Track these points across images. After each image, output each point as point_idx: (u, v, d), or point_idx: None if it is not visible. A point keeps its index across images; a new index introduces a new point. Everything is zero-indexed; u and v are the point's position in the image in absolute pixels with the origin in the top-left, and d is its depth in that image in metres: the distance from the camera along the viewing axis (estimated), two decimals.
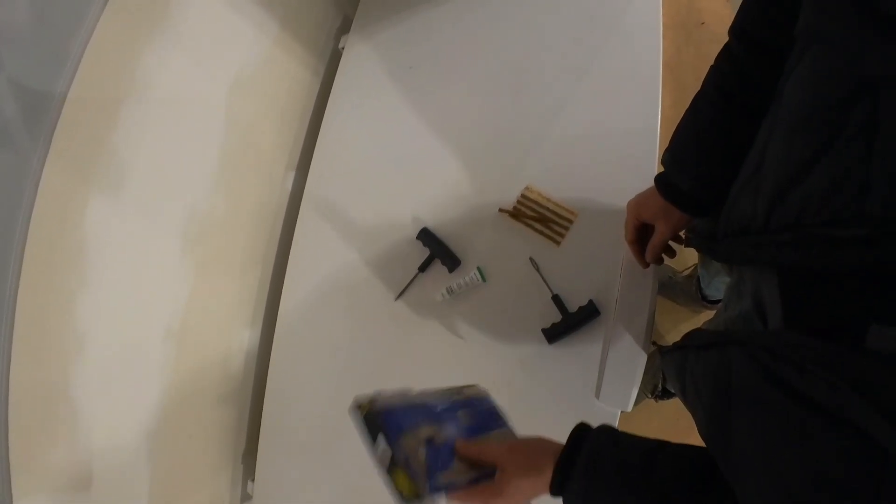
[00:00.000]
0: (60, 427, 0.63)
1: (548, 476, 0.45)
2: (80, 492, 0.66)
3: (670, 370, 0.51)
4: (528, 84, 0.82)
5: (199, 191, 0.78)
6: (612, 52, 0.77)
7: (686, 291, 1.16)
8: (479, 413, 0.62)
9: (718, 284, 1.00)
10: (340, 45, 0.94)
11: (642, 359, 0.66)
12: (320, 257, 0.88)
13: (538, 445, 0.48)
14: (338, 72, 0.92)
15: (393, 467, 0.52)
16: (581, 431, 0.47)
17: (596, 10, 0.80)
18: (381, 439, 0.55)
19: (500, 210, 0.78)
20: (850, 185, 0.30)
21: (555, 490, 0.45)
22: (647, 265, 0.66)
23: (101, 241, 0.64)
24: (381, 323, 0.82)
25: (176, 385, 0.78)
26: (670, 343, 1.24)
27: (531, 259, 0.75)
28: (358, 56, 0.92)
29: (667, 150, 0.59)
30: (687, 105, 0.56)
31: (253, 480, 0.87)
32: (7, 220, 0.55)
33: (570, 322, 0.71)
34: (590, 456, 0.44)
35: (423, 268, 0.79)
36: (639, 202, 0.63)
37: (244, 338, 0.92)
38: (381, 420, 0.57)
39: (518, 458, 0.48)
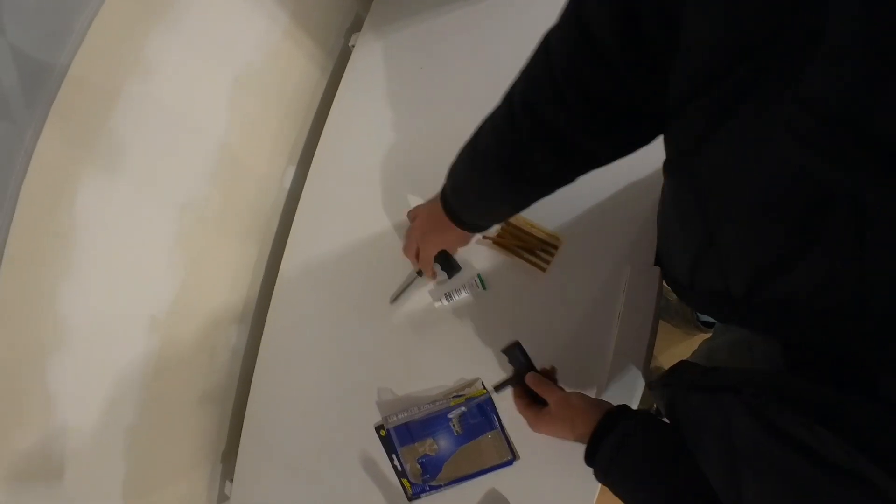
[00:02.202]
0: (34, 415, 0.60)
1: (577, 431, 0.52)
2: (52, 481, 0.63)
3: (660, 403, 0.50)
4: None
5: (196, 181, 0.76)
6: None
7: (681, 314, 1.15)
8: (473, 418, 0.71)
9: None
10: (350, 44, 0.94)
11: (641, 381, 0.65)
12: (315, 256, 0.86)
13: (583, 407, 0.54)
14: (346, 70, 0.91)
15: (401, 477, 0.72)
16: (620, 410, 0.50)
17: None
18: (393, 457, 0.73)
19: (484, 237, 0.76)
20: (844, 284, 0.29)
21: (587, 459, 0.50)
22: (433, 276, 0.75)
23: (91, 224, 0.62)
24: (374, 327, 0.80)
25: (157, 378, 0.75)
26: (661, 364, 1.24)
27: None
28: (367, 55, 0.91)
29: (450, 175, 0.59)
30: None
31: (231, 481, 0.84)
32: None
33: (523, 372, 0.65)
34: (620, 436, 0.47)
35: (421, 272, 0.77)
36: (424, 224, 0.69)
37: (232, 334, 0.89)
38: (390, 441, 0.73)
39: (563, 410, 0.56)
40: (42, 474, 0.62)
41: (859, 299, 0.28)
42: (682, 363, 0.53)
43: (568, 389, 0.60)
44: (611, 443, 0.48)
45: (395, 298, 0.79)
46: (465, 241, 0.69)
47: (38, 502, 0.62)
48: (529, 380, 0.61)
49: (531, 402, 0.61)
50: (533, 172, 0.49)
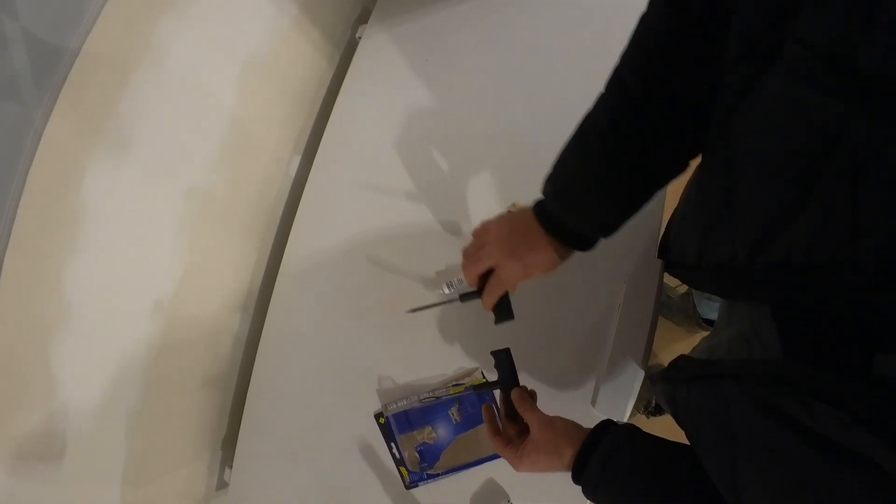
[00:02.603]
0: (36, 395, 0.61)
1: (565, 460, 0.50)
2: (52, 462, 0.63)
3: (661, 398, 0.52)
4: (540, 91, 0.82)
5: (202, 167, 0.77)
6: None
7: (682, 310, 1.16)
8: (472, 407, 0.71)
9: (711, 304, 1.00)
10: (358, 35, 0.94)
11: (640, 374, 0.66)
12: (318, 246, 0.86)
13: (567, 431, 0.52)
14: (353, 61, 0.92)
15: (399, 465, 0.73)
16: (604, 427, 0.49)
17: (617, 20, 0.80)
18: (392, 445, 0.73)
19: None
20: (839, 231, 0.29)
21: (574, 477, 0.49)
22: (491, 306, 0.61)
23: (97, 207, 0.63)
24: (376, 317, 0.80)
25: (160, 362, 0.75)
26: (661, 361, 1.25)
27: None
28: (374, 47, 0.92)
29: (549, 180, 0.54)
30: None
31: (231, 468, 0.85)
32: (4, 176, 0.54)
33: (507, 382, 0.62)
34: (606, 452, 0.47)
35: (465, 298, 0.66)
36: (504, 241, 0.56)
37: (235, 321, 0.90)
38: (389, 428, 0.73)
39: (547, 435, 0.52)
40: (43, 455, 0.63)
41: (852, 250, 0.29)
42: (681, 357, 0.54)
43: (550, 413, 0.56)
44: (597, 460, 0.47)
45: (415, 310, 0.71)
46: (554, 265, 0.57)
47: (38, 483, 0.63)
48: (515, 396, 0.57)
49: (507, 441, 0.56)
50: (650, 137, 0.47)
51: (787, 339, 0.39)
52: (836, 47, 0.22)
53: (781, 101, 0.30)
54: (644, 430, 0.51)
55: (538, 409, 0.56)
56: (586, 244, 0.55)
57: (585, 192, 0.51)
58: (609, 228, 0.53)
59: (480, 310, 0.74)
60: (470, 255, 0.60)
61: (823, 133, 0.27)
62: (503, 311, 0.62)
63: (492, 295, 0.59)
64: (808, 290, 0.33)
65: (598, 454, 0.47)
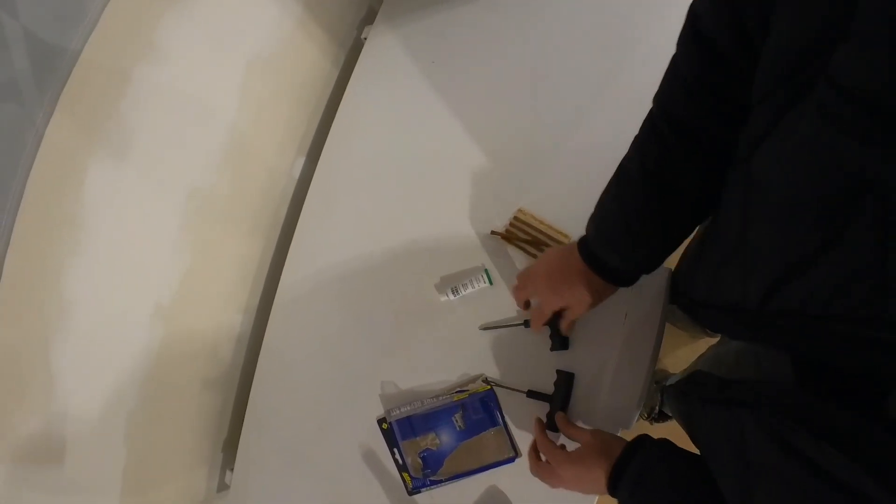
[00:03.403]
0: (35, 396, 0.61)
1: (596, 476, 0.51)
2: (52, 466, 0.63)
3: (673, 409, 0.52)
4: (546, 93, 0.81)
5: (205, 168, 0.76)
6: (635, 69, 0.76)
7: (687, 317, 1.14)
8: (476, 414, 0.70)
9: None
10: (363, 36, 0.93)
11: (646, 382, 0.65)
12: (322, 248, 0.86)
13: (601, 447, 0.53)
14: (358, 61, 0.91)
15: (401, 471, 0.72)
16: (639, 442, 0.50)
17: (625, 23, 0.79)
18: (395, 451, 0.73)
19: (493, 232, 0.76)
20: (864, 284, 0.28)
21: (609, 492, 0.50)
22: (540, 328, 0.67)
23: (98, 208, 0.62)
24: (379, 320, 0.79)
25: (161, 364, 0.75)
26: (665, 367, 1.23)
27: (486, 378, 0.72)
28: (379, 48, 0.91)
29: (592, 219, 0.57)
30: None
31: (232, 470, 0.84)
32: (5, 176, 0.53)
33: (558, 402, 0.67)
34: (638, 470, 0.48)
35: (529, 325, 0.69)
36: (551, 279, 0.61)
37: (236, 323, 0.89)
38: (392, 434, 0.73)
39: (580, 452, 0.54)
40: (43, 459, 0.62)
41: (878, 304, 0.28)
42: (697, 373, 0.55)
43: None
44: (629, 477, 0.48)
45: (486, 328, 0.73)
46: (593, 304, 0.60)
47: (38, 485, 0.62)
48: (559, 418, 0.62)
49: (554, 445, 0.60)
50: (681, 179, 0.48)
51: (802, 376, 0.40)
52: (876, 93, 0.21)
53: (809, 143, 0.29)
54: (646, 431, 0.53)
55: (578, 428, 0.59)
56: (628, 281, 0.57)
57: (624, 235, 0.53)
58: (649, 267, 0.56)
59: (483, 318, 0.74)
60: (521, 281, 0.67)
61: (854, 179, 0.26)
62: (559, 341, 0.68)
63: (536, 323, 0.66)
64: (824, 339, 0.33)
65: (631, 470, 0.48)
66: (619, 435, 0.56)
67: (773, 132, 0.34)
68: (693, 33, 0.43)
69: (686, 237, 0.54)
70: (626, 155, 0.53)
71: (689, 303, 0.53)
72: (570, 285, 0.58)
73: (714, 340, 1.16)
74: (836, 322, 0.31)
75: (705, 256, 0.48)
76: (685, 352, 1.20)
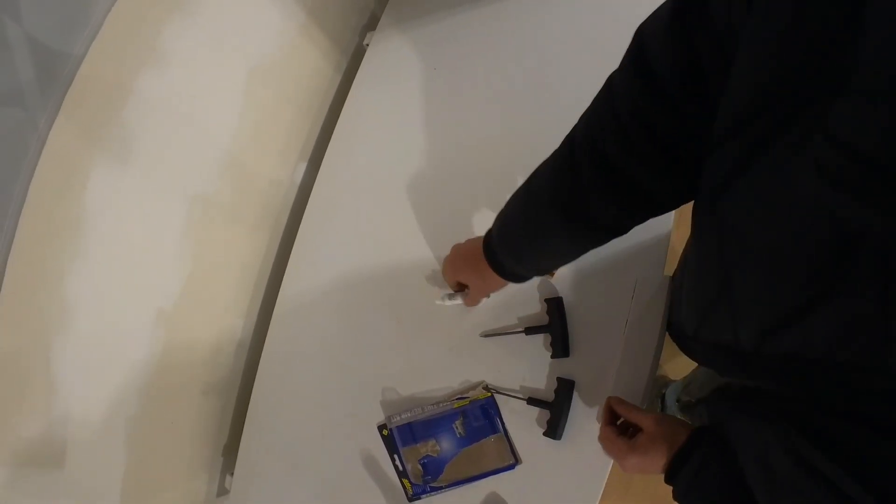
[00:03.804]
0: (36, 400, 0.61)
1: (658, 466, 0.50)
2: (52, 470, 0.63)
3: (704, 417, 0.52)
4: (548, 100, 0.80)
5: (207, 174, 0.77)
6: None
7: None
8: (476, 421, 0.70)
9: None
10: (365, 42, 0.94)
11: (647, 389, 0.64)
12: (324, 253, 0.86)
13: (664, 435, 0.51)
14: (360, 67, 0.91)
15: (402, 477, 0.71)
16: (699, 436, 0.49)
17: (629, 32, 0.78)
18: (395, 457, 0.72)
19: None
20: (866, 333, 0.28)
21: (667, 482, 0.50)
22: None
23: (100, 213, 0.62)
24: (381, 327, 0.79)
25: (162, 369, 0.75)
26: (666, 373, 1.22)
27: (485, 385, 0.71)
28: (382, 54, 0.91)
29: (498, 218, 0.57)
30: None
31: (232, 475, 0.84)
32: (7, 179, 0.54)
33: (558, 410, 0.66)
34: (696, 466, 0.47)
35: (530, 332, 0.71)
36: (454, 264, 0.66)
37: (237, 328, 0.89)
38: (393, 440, 0.72)
39: (663, 429, 0.53)
40: (42, 463, 0.62)
41: (881, 354, 0.27)
42: (727, 385, 0.56)
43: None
44: (686, 473, 0.48)
45: (487, 335, 0.74)
46: (487, 290, 0.67)
47: (38, 488, 0.62)
48: (614, 402, 0.59)
49: (619, 432, 0.57)
50: (589, 214, 0.47)
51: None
52: (877, 150, 0.21)
53: (801, 198, 0.28)
54: None
55: (644, 411, 0.58)
56: (520, 280, 0.60)
57: (523, 247, 0.55)
58: (544, 272, 0.61)
59: (485, 325, 0.73)
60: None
61: (849, 231, 0.26)
62: (559, 348, 0.68)
63: (469, 299, 0.69)
64: (826, 385, 0.33)
65: (689, 467, 0.47)
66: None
67: (743, 177, 0.33)
68: (636, 55, 0.40)
69: (583, 254, 0.54)
70: (539, 168, 0.51)
71: (679, 336, 0.52)
72: (470, 270, 0.64)
73: None
74: (838, 369, 0.31)
75: (689, 295, 0.47)
76: (685, 359, 1.19)
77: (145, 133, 0.65)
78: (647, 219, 0.49)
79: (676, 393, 0.97)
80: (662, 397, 1.06)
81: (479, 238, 0.61)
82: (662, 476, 0.51)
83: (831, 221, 0.26)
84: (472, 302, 0.69)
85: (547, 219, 0.50)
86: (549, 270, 0.61)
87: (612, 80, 0.44)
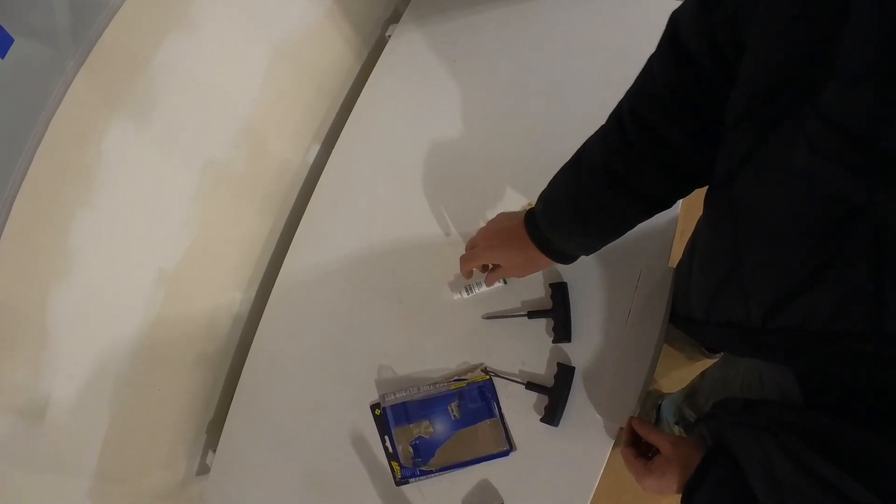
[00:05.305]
0: (26, 348, 0.59)
1: (673, 489, 0.51)
2: (34, 420, 0.61)
3: (706, 432, 0.54)
4: (566, 98, 0.82)
5: (223, 142, 0.77)
6: None
7: (685, 337, 1.14)
8: (473, 403, 0.69)
9: None
10: (387, 33, 0.96)
11: (647, 380, 0.64)
12: (330, 233, 0.86)
13: (679, 458, 0.52)
14: (380, 58, 0.93)
15: (391, 460, 0.70)
16: (713, 455, 0.49)
17: (646, 34, 0.81)
18: (386, 438, 0.71)
19: None
20: (862, 302, 0.30)
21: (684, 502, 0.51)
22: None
23: (114, 166, 0.62)
24: (381, 307, 0.79)
25: (155, 333, 0.74)
26: (660, 387, 1.22)
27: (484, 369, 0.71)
28: (402, 46, 0.93)
29: (543, 196, 0.58)
30: None
31: (214, 451, 0.82)
32: (29, 116, 0.54)
33: (557, 395, 0.66)
34: (711, 489, 0.47)
35: (533, 316, 0.70)
36: (490, 241, 0.63)
37: (235, 301, 0.88)
38: (385, 420, 0.71)
39: (660, 464, 0.54)
40: (24, 410, 0.60)
41: (875, 321, 0.29)
42: (728, 399, 0.57)
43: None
44: (704, 492, 0.48)
45: (489, 317, 0.73)
46: (524, 271, 0.63)
47: (15, 440, 0.60)
48: (636, 423, 0.60)
49: (639, 453, 0.58)
50: (643, 182, 0.50)
51: (809, 393, 0.41)
52: (862, 127, 0.23)
53: (799, 173, 0.30)
54: None
55: (664, 433, 0.58)
56: (567, 259, 0.60)
57: (571, 219, 0.55)
58: (590, 249, 0.59)
59: (485, 307, 0.73)
60: (466, 251, 0.66)
61: (845, 207, 0.28)
62: (562, 333, 0.68)
63: (465, 263, 0.65)
64: (827, 355, 0.34)
65: (703, 491, 0.48)
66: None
67: (755, 158, 0.36)
68: (670, 38, 0.44)
69: (630, 229, 0.55)
70: (587, 142, 0.53)
71: (688, 323, 0.54)
72: (507, 247, 0.61)
73: (711, 362, 1.15)
74: (836, 338, 0.32)
75: (700, 279, 0.49)
76: (680, 374, 1.19)
77: (167, 94, 0.66)
78: (689, 192, 0.51)
79: (675, 404, 0.97)
80: (658, 409, 1.05)
81: (512, 216, 0.62)
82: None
83: (827, 195, 0.29)
84: (491, 281, 0.68)
85: (600, 191, 0.51)
86: (595, 248, 0.58)
87: (650, 60, 0.48)
